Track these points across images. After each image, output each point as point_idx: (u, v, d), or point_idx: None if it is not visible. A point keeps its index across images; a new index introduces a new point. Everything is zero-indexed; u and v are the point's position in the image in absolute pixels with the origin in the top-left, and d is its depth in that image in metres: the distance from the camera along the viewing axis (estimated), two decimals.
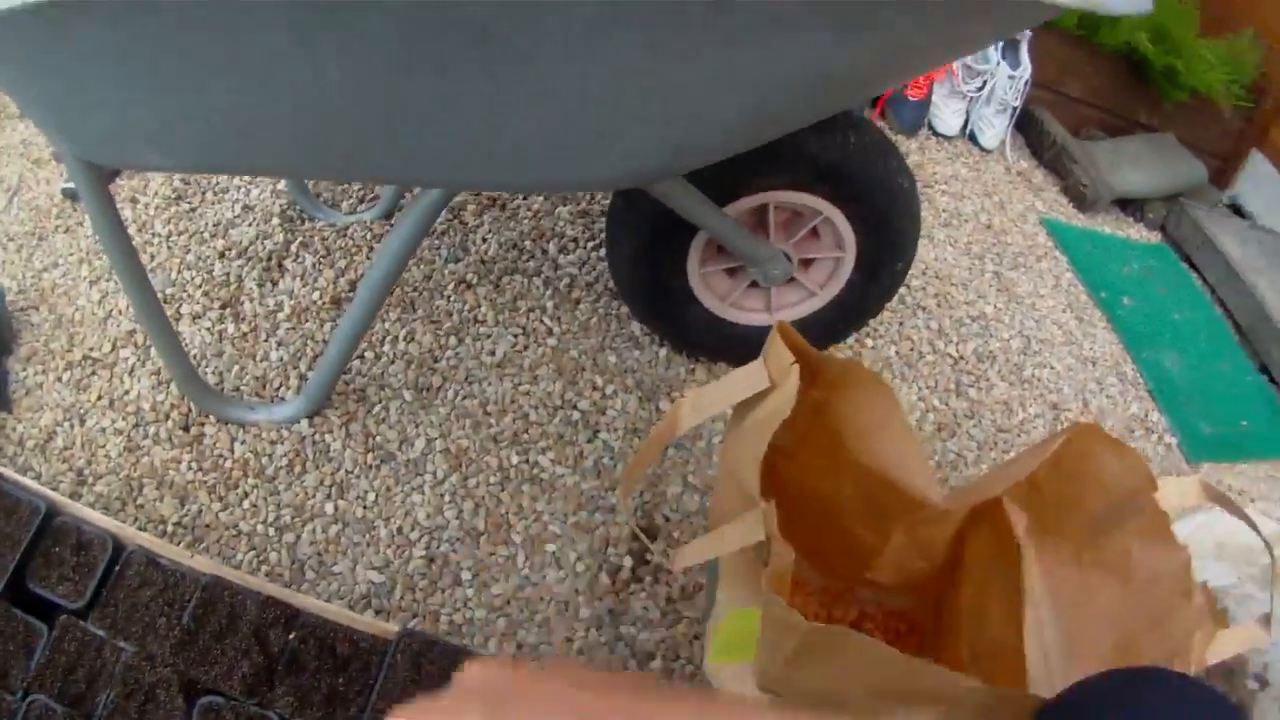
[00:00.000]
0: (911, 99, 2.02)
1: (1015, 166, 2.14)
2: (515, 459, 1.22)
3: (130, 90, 0.83)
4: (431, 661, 0.92)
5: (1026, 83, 2.07)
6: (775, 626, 0.69)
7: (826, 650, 0.67)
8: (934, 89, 2.07)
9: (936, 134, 2.09)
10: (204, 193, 1.55)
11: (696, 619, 1.14)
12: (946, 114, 2.07)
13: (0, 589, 0.98)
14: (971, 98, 2.09)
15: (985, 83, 2.07)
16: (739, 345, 1.30)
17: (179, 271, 1.43)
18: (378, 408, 1.26)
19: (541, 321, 1.33)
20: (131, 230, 1.54)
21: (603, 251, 1.41)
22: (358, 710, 0.89)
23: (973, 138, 2.12)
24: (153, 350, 1.37)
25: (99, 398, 1.35)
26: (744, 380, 0.84)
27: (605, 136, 0.81)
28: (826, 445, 0.94)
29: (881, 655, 0.65)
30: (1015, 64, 2.07)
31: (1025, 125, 2.21)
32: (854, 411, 0.91)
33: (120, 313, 1.43)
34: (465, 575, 1.15)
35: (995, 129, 2.11)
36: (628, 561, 1.17)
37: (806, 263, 1.27)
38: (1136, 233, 2.14)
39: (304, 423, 1.25)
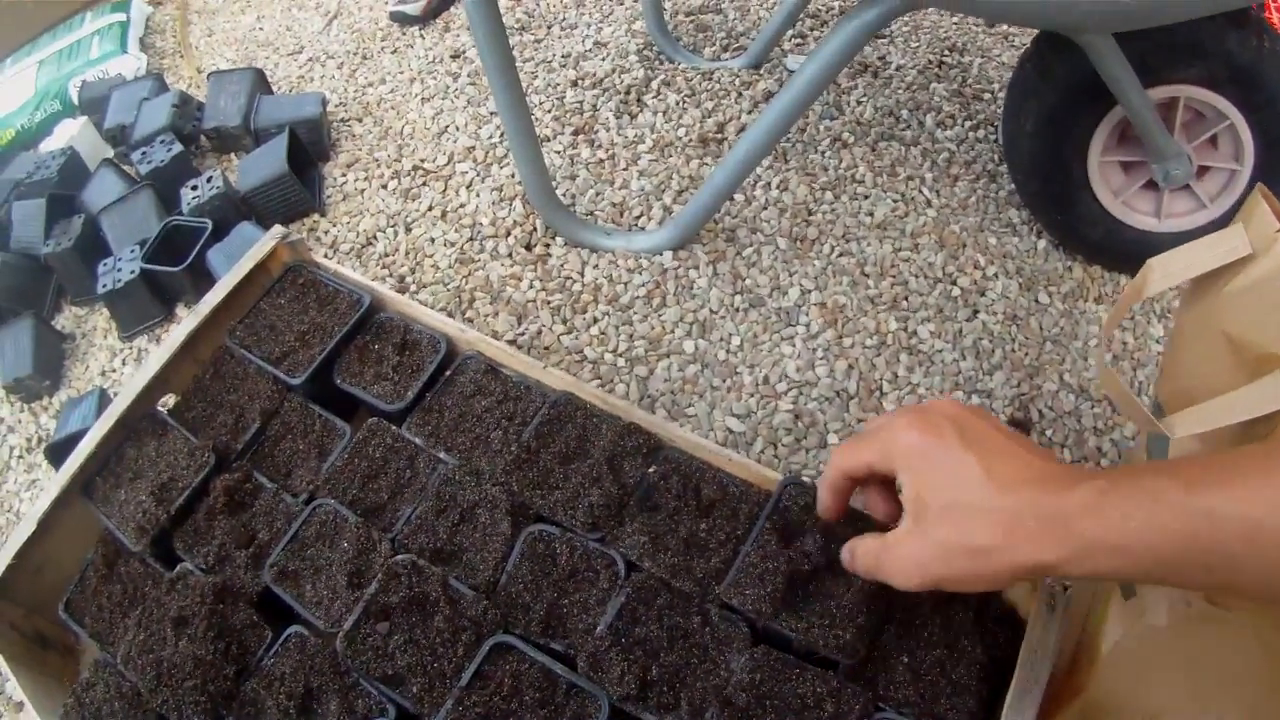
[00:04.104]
0: None
1: None
2: (894, 325, 1.12)
3: None
4: (816, 520, 0.72)
5: None
6: None
7: None
8: None
9: None
10: (549, 27, 1.49)
11: None
12: None
13: (303, 380, 0.84)
14: None
15: None
16: (1119, 249, 1.20)
17: (525, 95, 1.37)
18: (749, 250, 1.17)
19: (920, 191, 1.23)
20: (473, 54, 1.49)
21: (981, 133, 1.30)
22: (720, 561, 0.71)
23: None
24: (494, 168, 1.31)
25: (429, 208, 1.30)
26: (1219, 244, 0.73)
27: None
28: None
29: None
30: None
31: None
32: None
33: (458, 129, 1.37)
34: (832, 439, 1.06)
35: None
36: None
37: (1201, 171, 1.18)
38: None
39: (667, 255, 1.17)
